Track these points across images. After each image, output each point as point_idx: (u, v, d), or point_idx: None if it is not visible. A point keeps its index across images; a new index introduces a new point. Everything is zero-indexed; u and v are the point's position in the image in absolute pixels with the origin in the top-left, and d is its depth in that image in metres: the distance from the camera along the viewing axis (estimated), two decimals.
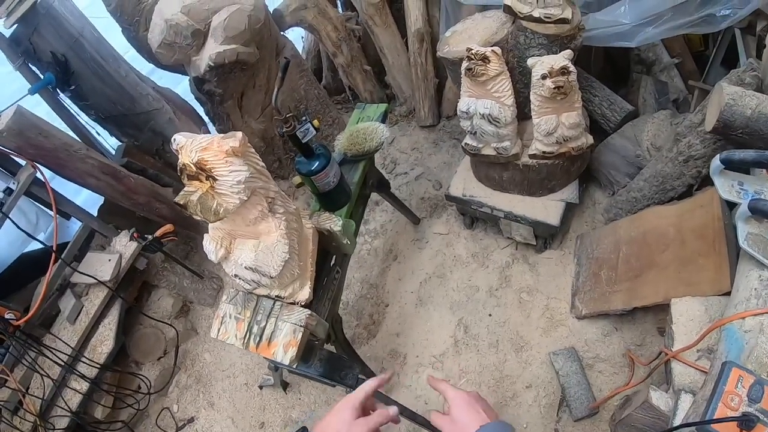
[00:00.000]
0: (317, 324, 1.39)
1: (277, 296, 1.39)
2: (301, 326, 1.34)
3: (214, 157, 1.03)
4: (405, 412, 1.68)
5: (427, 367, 2.05)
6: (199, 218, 1.10)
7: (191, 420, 2.26)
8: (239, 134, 1.06)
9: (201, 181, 1.07)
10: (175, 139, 1.08)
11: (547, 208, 2.02)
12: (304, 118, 1.43)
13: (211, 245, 1.30)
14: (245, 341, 1.40)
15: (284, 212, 1.24)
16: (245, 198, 1.10)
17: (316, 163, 1.50)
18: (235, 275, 1.34)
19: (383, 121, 1.88)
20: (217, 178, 1.05)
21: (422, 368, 2.05)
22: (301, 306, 1.38)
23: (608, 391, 1.80)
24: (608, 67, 2.46)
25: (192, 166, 1.04)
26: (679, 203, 1.84)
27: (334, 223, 1.44)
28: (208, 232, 1.31)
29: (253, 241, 1.27)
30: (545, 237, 2.13)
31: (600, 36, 2.00)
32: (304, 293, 1.37)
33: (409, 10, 2.46)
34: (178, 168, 1.08)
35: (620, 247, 1.94)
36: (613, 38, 1.98)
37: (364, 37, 2.75)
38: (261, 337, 1.38)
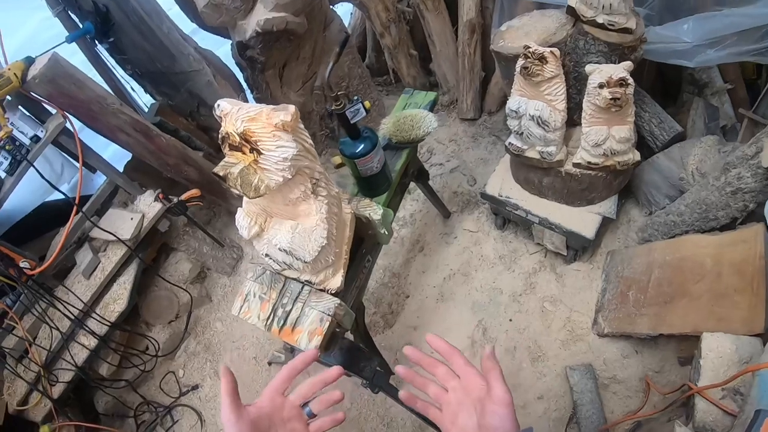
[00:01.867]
0: (345, 314, 1.36)
1: (306, 281, 1.35)
2: (329, 315, 1.30)
3: (261, 129, 0.98)
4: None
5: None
6: (237, 192, 1.05)
7: (195, 387, 2.26)
8: (292, 108, 1.00)
9: (244, 153, 1.02)
10: (219, 105, 1.02)
11: (583, 220, 1.96)
12: (355, 97, 1.38)
13: (245, 220, 1.25)
14: (268, 323, 1.37)
15: (327, 195, 1.20)
16: (289, 177, 1.05)
17: (361, 146, 1.45)
18: (266, 254, 1.31)
19: (431, 110, 1.82)
20: (262, 152, 0.99)
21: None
22: (331, 294, 1.34)
23: (620, 415, 1.77)
24: (659, 83, 2.38)
25: (236, 136, 0.98)
26: (720, 235, 1.78)
27: (374, 210, 1.39)
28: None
29: (291, 222, 1.22)
30: (576, 248, 2.08)
31: (658, 51, 1.93)
32: (336, 281, 1.33)
33: None
34: (220, 136, 1.03)
35: (653, 269, 1.89)
36: (672, 55, 1.91)
37: (413, 20, 2.66)
38: (285, 322, 1.35)
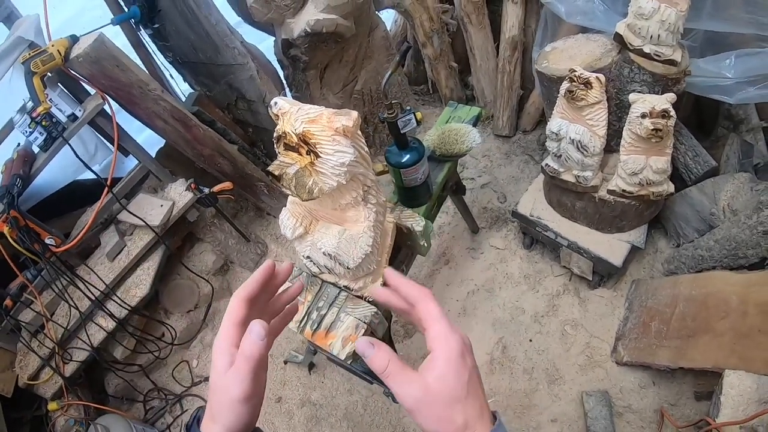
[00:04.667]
0: (379, 323, 1.36)
1: (345, 286, 1.35)
2: (364, 323, 1.30)
3: (321, 132, 0.96)
4: None
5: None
6: (289, 193, 1.05)
7: (208, 378, 2.25)
8: (354, 113, 0.98)
9: (300, 155, 1.01)
10: (276, 103, 1.00)
11: (612, 247, 1.97)
12: (408, 108, 1.38)
13: (290, 221, 1.25)
14: (301, 325, 1.36)
15: (376, 203, 1.19)
16: (344, 182, 1.03)
17: (408, 156, 1.45)
18: (308, 257, 1.31)
19: (474, 125, 1.82)
20: (320, 155, 0.98)
21: None
22: (368, 302, 1.34)
23: None
24: (694, 115, 2.38)
25: (294, 136, 0.97)
26: (748, 273, 1.78)
27: (416, 221, 1.39)
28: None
29: (337, 227, 1.22)
30: (602, 274, 2.08)
31: (699, 84, 1.93)
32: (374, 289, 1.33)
33: (507, 15, 2.38)
34: (275, 134, 1.02)
35: (678, 302, 1.89)
36: (712, 90, 1.91)
37: (455, 33, 2.66)
38: (319, 325, 1.34)
